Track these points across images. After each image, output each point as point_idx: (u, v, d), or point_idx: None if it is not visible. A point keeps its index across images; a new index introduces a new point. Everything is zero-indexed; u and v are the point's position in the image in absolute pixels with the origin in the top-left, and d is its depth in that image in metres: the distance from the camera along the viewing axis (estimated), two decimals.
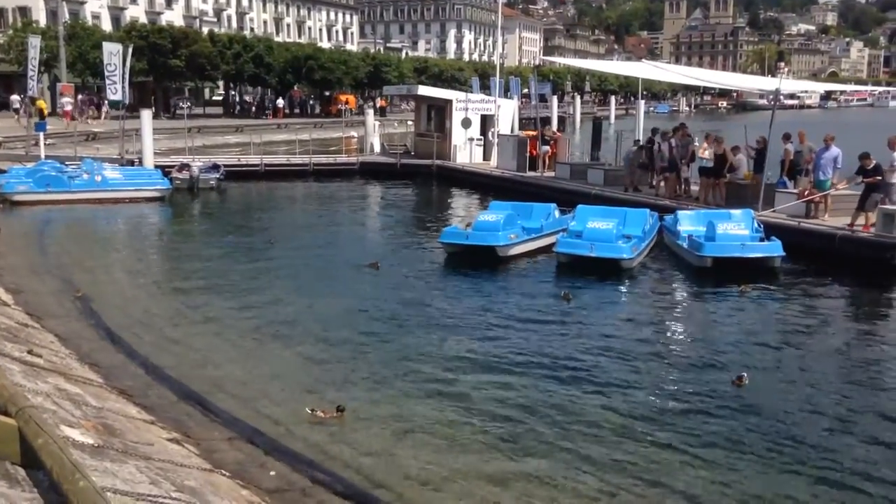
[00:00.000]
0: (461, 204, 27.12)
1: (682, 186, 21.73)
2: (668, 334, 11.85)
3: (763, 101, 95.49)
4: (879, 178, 16.08)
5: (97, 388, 8.31)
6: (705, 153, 20.40)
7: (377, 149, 36.12)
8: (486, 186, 28.07)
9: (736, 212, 16.71)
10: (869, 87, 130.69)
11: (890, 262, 15.02)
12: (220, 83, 75.59)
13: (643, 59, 54.18)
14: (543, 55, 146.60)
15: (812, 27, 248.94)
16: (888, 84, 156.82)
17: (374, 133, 37.05)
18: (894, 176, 16.36)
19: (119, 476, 5.22)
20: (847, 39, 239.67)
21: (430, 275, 15.40)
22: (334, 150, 37.14)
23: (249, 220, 22.87)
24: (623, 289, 14.64)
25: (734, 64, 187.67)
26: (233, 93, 78.08)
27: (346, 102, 69.28)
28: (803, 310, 13.34)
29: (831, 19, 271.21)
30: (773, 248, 15.12)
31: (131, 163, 28.14)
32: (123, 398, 8.34)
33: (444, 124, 33.11)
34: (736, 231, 15.58)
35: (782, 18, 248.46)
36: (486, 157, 31.90)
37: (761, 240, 15.47)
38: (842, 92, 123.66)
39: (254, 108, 73.09)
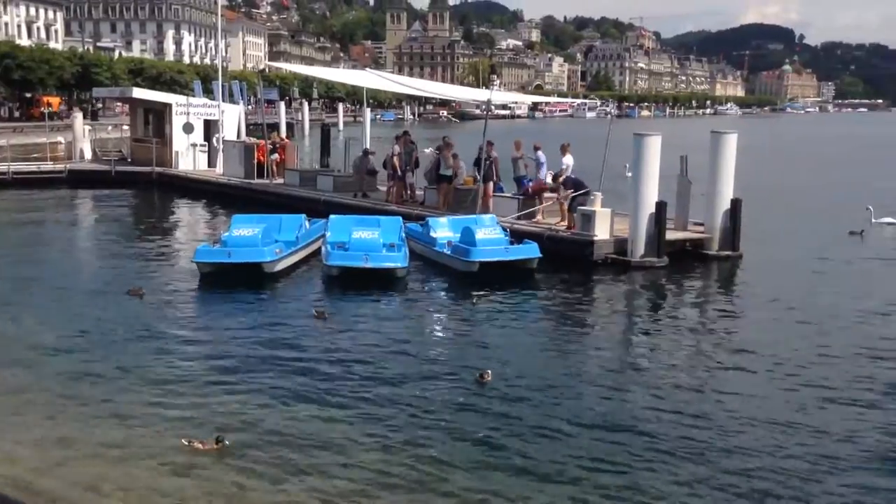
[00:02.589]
0: (190, 215, 25.78)
1: (408, 191, 22.52)
2: (428, 338, 11.90)
3: (478, 111, 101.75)
4: (572, 184, 18.07)
5: None
6: (449, 160, 21.13)
7: (88, 155, 33.54)
8: (212, 195, 27.09)
9: (484, 217, 17.43)
10: (569, 100, 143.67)
11: (589, 257, 16.73)
12: None
13: (368, 68, 55.35)
14: (269, 60, 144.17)
15: (519, 43, 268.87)
16: (585, 97, 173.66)
17: (85, 138, 34.28)
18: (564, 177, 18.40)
19: None
20: (549, 55, 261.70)
21: (189, 299, 14.07)
22: (38, 157, 33.70)
23: None
24: (395, 298, 14.33)
25: (452, 75, 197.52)
26: None
27: (49, 104, 63.16)
28: (540, 306, 14.25)
29: (535, 36, 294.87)
30: (532, 251, 15.91)
31: None
32: None
33: (163, 129, 31.50)
34: (493, 235, 16.12)
35: (493, 34, 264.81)
36: (212, 163, 30.81)
37: (511, 243, 16.11)
38: (546, 103, 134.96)
39: None
